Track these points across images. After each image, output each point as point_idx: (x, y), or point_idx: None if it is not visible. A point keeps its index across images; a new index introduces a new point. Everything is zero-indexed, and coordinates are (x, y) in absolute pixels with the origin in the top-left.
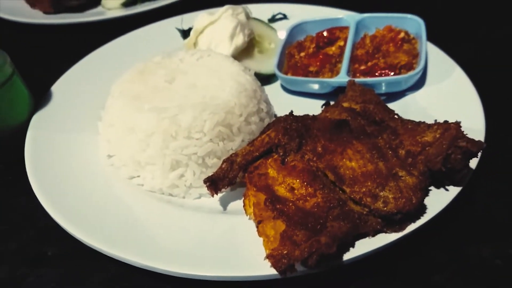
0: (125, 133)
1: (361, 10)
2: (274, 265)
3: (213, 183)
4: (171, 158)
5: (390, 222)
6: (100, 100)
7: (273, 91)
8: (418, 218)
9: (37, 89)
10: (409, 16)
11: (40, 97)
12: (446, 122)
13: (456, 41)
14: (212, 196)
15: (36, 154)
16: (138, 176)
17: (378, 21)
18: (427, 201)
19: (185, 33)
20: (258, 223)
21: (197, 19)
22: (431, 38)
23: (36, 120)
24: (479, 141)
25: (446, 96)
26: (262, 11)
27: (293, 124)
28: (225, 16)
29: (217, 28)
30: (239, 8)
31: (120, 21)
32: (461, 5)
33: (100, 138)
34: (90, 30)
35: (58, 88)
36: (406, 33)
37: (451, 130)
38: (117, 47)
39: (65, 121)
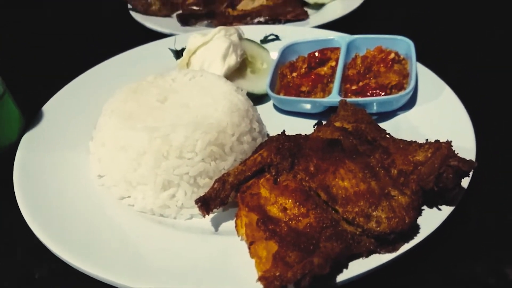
0: (117, 152)
1: (351, 32)
2: (266, 287)
3: (205, 204)
4: (162, 178)
5: (384, 242)
6: (92, 119)
7: (266, 110)
8: (412, 238)
9: (28, 108)
10: (398, 37)
11: (32, 116)
12: (437, 141)
13: (445, 61)
14: (204, 216)
15: (25, 174)
16: (129, 197)
17: (368, 42)
18: (420, 220)
19: (178, 54)
20: (250, 244)
21: (190, 39)
22: (420, 58)
23: (26, 140)
24: (470, 161)
25: (436, 115)
26: (254, 32)
27: (285, 144)
28: (217, 37)
29: (210, 49)
30: (232, 29)
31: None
32: (449, 26)
33: (91, 157)
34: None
35: (49, 107)
36: (396, 54)
37: (442, 149)
38: (110, 67)
39: (56, 141)
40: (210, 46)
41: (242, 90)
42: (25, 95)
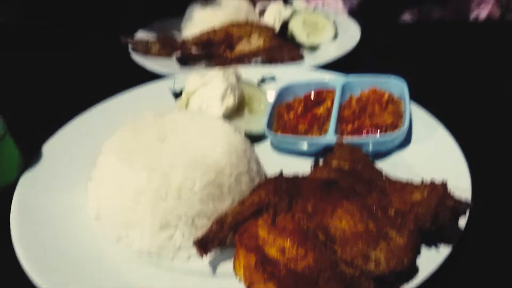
0: (115, 192)
1: (346, 71)
2: None
3: (203, 245)
4: (160, 218)
5: (383, 284)
6: (92, 159)
7: (263, 150)
8: (411, 278)
9: (27, 147)
10: (392, 78)
11: (31, 156)
12: (433, 181)
13: (439, 100)
14: (202, 257)
15: (21, 216)
16: (127, 237)
17: (362, 83)
18: (418, 260)
19: (177, 94)
20: (249, 286)
21: (189, 80)
22: (414, 98)
23: (25, 179)
24: (466, 201)
25: (431, 154)
26: (252, 73)
27: (283, 184)
28: (216, 78)
29: (209, 90)
30: (230, 71)
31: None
32: (442, 66)
33: (89, 197)
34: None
35: (49, 147)
36: (390, 94)
37: (438, 190)
38: (110, 107)
39: (54, 181)
40: (209, 87)
41: (240, 131)
42: (24, 134)
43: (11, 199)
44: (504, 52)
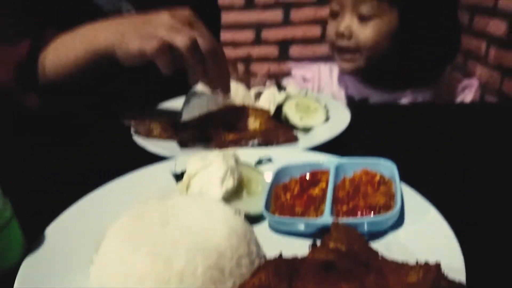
0: (118, 276)
1: (339, 152)
2: None
3: None
4: None
5: None
6: (94, 243)
7: (262, 231)
8: None
9: (31, 230)
10: (382, 160)
11: (34, 239)
12: (427, 262)
13: (428, 182)
14: None
15: None
16: None
17: (355, 165)
18: None
19: (178, 177)
20: None
21: (190, 163)
22: (404, 179)
23: (27, 264)
24: (460, 282)
25: (424, 235)
26: (249, 155)
27: (282, 267)
28: (216, 161)
29: (209, 172)
30: (229, 154)
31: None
32: (429, 147)
33: (91, 281)
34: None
35: (51, 230)
36: (381, 175)
37: (432, 271)
38: (113, 189)
39: (57, 265)
40: (209, 170)
41: (239, 213)
42: (27, 216)
43: (13, 282)
44: (492, 133)
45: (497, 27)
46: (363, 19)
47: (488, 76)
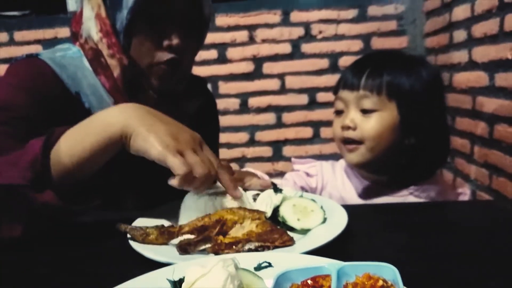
0: None
1: (338, 254)
2: None
3: None
4: None
5: None
6: None
7: None
8: None
9: None
10: (383, 264)
11: None
12: None
13: (430, 284)
14: None
15: None
16: None
17: (356, 269)
18: None
19: (176, 285)
20: None
21: (189, 271)
22: (407, 283)
23: None
24: None
25: None
26: (248, 260)
27: None
28: (216, 268)
29: (209, 280)
30: (229, 260)
31: None
32: (432, 250)
33: None
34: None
35: None
36: (384, 280)
37: None
38: None
39: None
40: (209, 277)
41: None
42: None
43: None
44: (500, 233)
45: (479, 127)
46: (365, 112)
47: (477, 173)
